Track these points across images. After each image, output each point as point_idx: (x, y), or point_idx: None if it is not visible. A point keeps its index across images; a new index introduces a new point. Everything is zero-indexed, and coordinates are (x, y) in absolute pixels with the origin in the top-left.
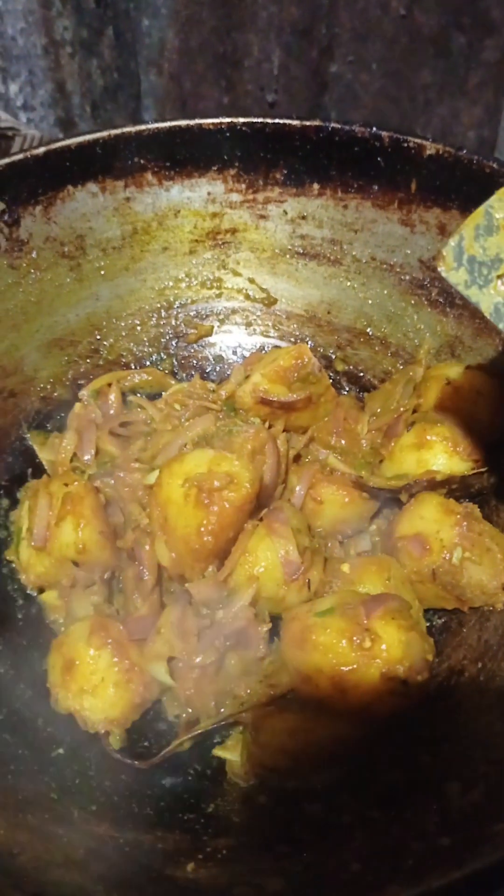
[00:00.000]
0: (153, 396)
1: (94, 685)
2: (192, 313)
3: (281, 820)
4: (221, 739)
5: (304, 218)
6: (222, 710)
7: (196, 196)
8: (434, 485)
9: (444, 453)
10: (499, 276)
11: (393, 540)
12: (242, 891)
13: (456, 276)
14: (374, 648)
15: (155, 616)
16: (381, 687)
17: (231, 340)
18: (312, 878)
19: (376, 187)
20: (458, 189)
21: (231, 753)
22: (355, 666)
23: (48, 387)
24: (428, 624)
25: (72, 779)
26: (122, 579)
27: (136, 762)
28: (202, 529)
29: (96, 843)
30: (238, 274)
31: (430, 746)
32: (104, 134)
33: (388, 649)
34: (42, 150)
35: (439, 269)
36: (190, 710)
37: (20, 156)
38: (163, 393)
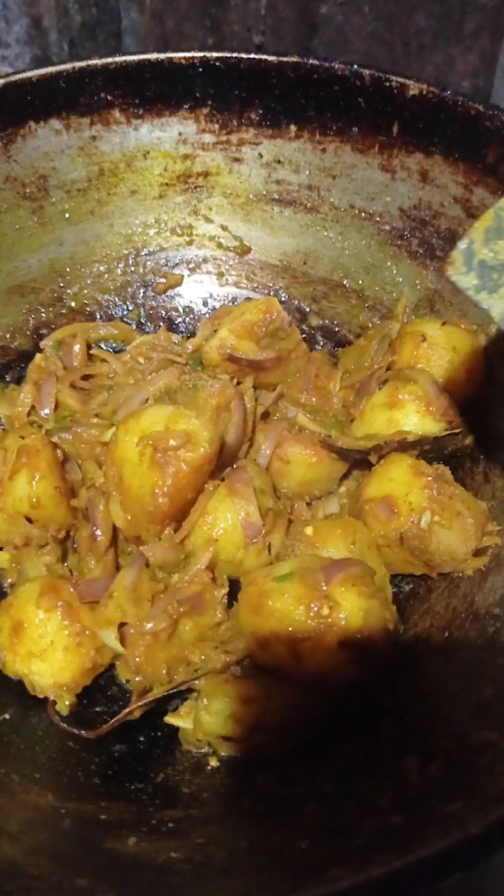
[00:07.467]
0: (119, 351)
1: (42, 649)
2: (161, 261)
3: (232, 791)
4: (175, 706)
5: (279, 162)
6: (175, 677)
7: (166, 136)
8: (405, 446)
9: (415, 413)
10: None
11: (360, 502)
12: (182, 867)
13: (465, 281)
14: (332, 616)
15: (108, 578)
16: (339, 656)
17: (201, 291)
18: (257, 855)
19: (356, 130)
20: (441, 133)
21: (183, 721)
22: (312, 634)
23: (7, 336)
24: (395, 590)
25: (17, 745)
26: (76, 539)
27: (83, 731)
28: (157, 491)
29: (35, 814)
30: (210, 220)
31: (391, 717)
32: (68, 67)
33: (346, 617)
34: (0, 82)
35: (448, 272)
36: (140, 678)
37: None
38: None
